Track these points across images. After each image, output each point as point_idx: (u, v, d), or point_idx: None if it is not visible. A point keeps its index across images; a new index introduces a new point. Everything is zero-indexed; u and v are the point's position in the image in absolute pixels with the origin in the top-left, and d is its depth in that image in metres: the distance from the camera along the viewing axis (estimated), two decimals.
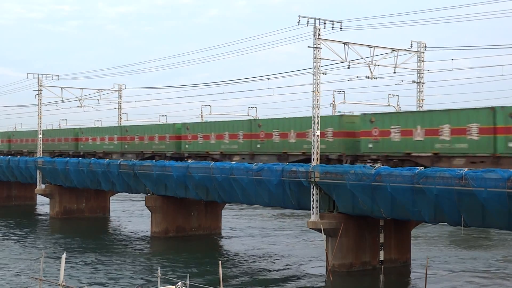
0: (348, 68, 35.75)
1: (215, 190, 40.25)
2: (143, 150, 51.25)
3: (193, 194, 42.54)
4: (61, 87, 61.29)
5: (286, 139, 38.53)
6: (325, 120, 35.68)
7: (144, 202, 48.52)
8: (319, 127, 34.22)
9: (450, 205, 27.56)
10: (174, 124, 49.36)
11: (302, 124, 37.55)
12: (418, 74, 39.54)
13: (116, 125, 61.61)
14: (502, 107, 28.32)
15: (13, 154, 69.92)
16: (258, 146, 40.31)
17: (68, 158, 57.45)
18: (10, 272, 33.49)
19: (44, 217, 61.03)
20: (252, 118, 41.50)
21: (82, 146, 59.78)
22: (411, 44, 38.79)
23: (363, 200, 31.39)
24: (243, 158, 41.10)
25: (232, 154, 42.50)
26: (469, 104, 45.08)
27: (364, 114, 34.84)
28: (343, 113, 40.06)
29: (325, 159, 35.38)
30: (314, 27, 34.06)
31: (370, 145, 33.58)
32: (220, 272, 19.57)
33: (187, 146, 46.48)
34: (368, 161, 34.12)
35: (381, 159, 33.21)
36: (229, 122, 44.48)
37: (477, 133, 28.99)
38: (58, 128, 74.56)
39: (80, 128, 62.54)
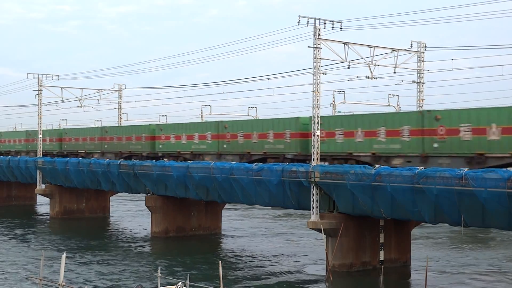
0: (348, 68, 35.75)
1: (215, 190, 40.25)
2: (250, 151, 41.44)
3: (193, 194, 42.55)
4: (61, 87, 61.34)
5: (484, 135, 29.00)
6: None
7: (144, 202, 48.52)
8: (319, 127, 34.21)
9: (450, 205, 27.56)
10: (297, 118, 38.84)
11: (511, 114, 28.56)
12: (418, 74, 39.55)
13: (212, 120, 50.66)
14: None
15: (65, 155, 61.28)
16: (436, 145, 30.94)
17: (68, 158, 57.42)
18: (10, 272, 33.49)
19: (44, 217, 61.02)
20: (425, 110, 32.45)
21: (160, 146, 49.54)
22: (411, 44, 38.81)
23: (363, 200, 31.39)
24: (409, 161, 32.05)
25: (390, 156, 33.10)
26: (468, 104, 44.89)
27: None
28: None
29: None
30: (314, 27, 34.06)
31: None
32: (220, 272, 19.57)
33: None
34: None
35: None
36: (387, 115, 35.06)
37: None
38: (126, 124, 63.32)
39: (158, 124, 52.38)
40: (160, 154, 49.64)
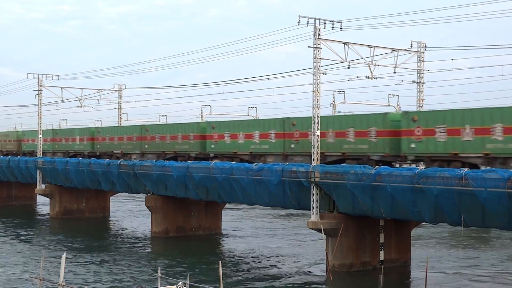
0: (348, 68, 35.77)
1: (215, 190, 40.25)
2: (324, 151, 35.96)
3: (193, 194, 42.55)
4: (61, 87, 61.40)
5: None
6: None
7: (144, 202, 48.52)
8: (319, 127, 34.19)
9: (450, 205, 27.56)
10: (385, 113, 34.92)
11: None
12: (418, 74, 39.55)
13: (278, 117, 44.45)
14: None
15: (98, 156, 56.42)
16: None
17: (68, 158, 57.37)
18: (10, 272, 33.50)
19: (44, 217, 61.03)
20: None
21: (213, 146, 44.70)
22: (411, 44, 38.83)
23: (363, 200, 31.39)
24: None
25: (510, 157, 28.50)
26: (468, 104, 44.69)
27: None
28: None
29: None
30: (314, 27, 34.07)
31: None
32: (220, 272, 19.58)
33: (413, 145, 32.17)
34: None
35: None
36: (504, 109, 29.01)
37: None
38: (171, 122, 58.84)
39: (208, 121, 47.19)
40: (212, 155, 44.96)
